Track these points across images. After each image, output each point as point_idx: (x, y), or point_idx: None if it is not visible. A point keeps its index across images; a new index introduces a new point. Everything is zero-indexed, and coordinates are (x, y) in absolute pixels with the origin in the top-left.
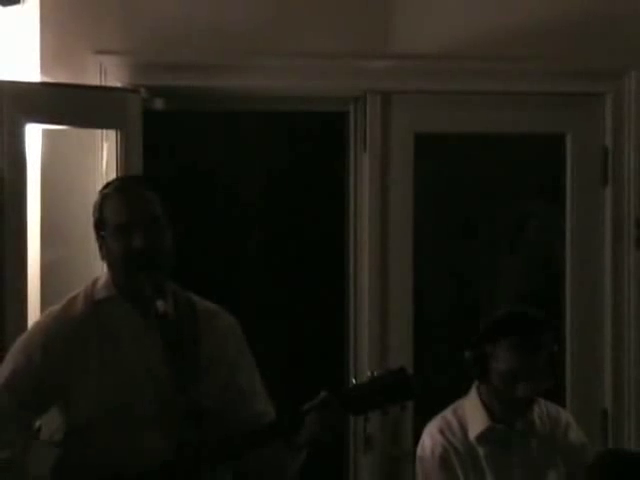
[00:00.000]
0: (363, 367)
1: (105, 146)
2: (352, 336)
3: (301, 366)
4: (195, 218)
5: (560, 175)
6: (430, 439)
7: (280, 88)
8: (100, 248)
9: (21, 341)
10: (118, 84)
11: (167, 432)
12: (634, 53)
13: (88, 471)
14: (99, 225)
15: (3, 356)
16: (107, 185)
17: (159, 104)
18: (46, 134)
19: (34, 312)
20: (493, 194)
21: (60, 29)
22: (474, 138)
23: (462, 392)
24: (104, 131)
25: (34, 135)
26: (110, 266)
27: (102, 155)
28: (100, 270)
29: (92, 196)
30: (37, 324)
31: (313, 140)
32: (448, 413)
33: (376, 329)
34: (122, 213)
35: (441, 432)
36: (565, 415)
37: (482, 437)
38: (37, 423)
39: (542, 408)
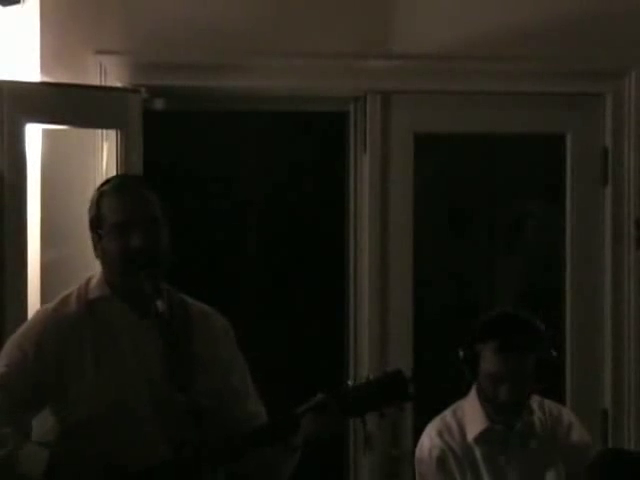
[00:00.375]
0: (363, 367)
1: (105, 146)
2: (352, 336)
3: (301, 366)
4: (195, 218)
5: (560, 175)
6: (428, 441)
7: (280, 88)
8: (95, 246)
9: (14, 339)
10: (118, 84)
11: (163, 432)
12: (634, 53)
13: (84, 471)
14: (96, 222)
15: None
16: (105, 183)
17: (159, 104)
18: (46, 134)
19: (34, 312)
20: (493, 194)
21: (60, 29)
22: (474, 138)
23: (462, 392)
24: (104, 131)
25: (34, 135)
26: (106, 265)
27: (102, 155)
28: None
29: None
30: (31, 322)
31: (313, 140)
32: (448, 414)
33: (376, 329)
34: (121, 211)
35: (439, 434)
36: (568, 415)
37: (480, 438)
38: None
39: (544, 408)
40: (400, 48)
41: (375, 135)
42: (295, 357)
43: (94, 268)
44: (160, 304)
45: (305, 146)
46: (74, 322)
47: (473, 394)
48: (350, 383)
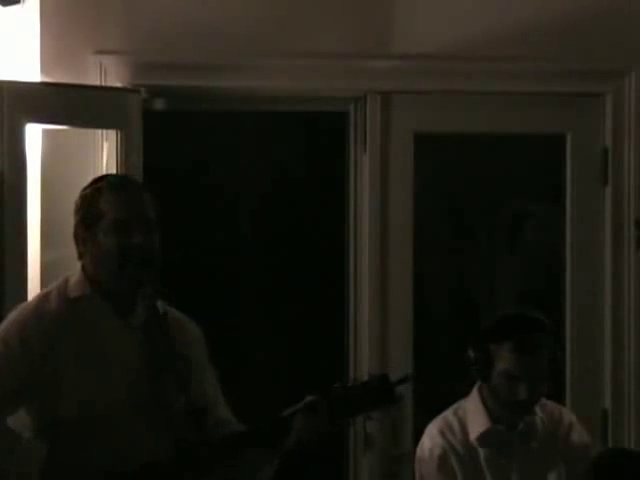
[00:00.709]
0: (363, 367)
1: (105, 146)
2: (352, 336)
3: (301, 366)
4: (195, 218)
5: (560, 175)
6: (429, 440)
7: (280, 88)
8: (83, 242)
9: None
10: (118, 84)
11: (150, 433)
12: (634, 53)
13: (65, 470)
14: (90, 219)
15: None
16: (96, 181)
17: (159, 104)
18: (46, 134)
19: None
20: (493, 194)
21: (60, 29)
22: (474, 138)
23: (462, 392)
24: (104, 131)
25: (34, 135)
26: (99, 261)
27: (102, 155)
28: None
29: None
30: (13, 320)
31: (313, 140)
32: (449, 414)
33: (376, 329)
34: (123, 208)
35: (441, 433)
36: (568, 415)
37: (482, 438)
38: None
39: (545, 409)
40: (400, 48)
41: (375, 135)
42: (295, 357)
43: None
44: (160, 304)
45: (305, 146)
46: (56, 320)
47: (475, 394)
48: (337, 386)
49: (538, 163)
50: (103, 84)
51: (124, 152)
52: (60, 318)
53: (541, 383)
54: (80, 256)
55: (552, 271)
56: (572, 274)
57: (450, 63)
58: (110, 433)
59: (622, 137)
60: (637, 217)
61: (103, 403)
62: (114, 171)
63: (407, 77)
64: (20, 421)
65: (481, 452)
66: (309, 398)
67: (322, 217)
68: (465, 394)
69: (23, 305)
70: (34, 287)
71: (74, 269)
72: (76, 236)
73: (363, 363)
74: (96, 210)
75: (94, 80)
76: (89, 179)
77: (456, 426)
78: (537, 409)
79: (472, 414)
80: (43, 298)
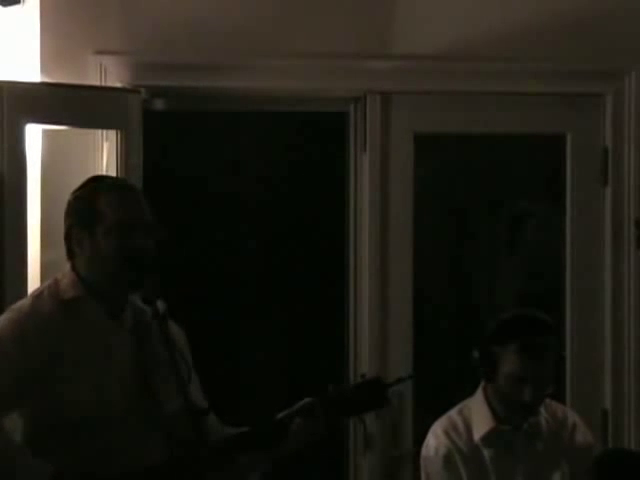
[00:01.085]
0: (363, 367)
1: (105, 146)
2: (352, 336)
3: (301, 366)
4: (195, 218)
5: (560, 175)
6: (435, 439)
7: (280, 88)
8: (79, 243)
9: None
10: (118, 84)
11: (144, 433)
12: (634, 53)
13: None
14: (87, 220)
15: None
16: (92, 182)
17: (159, 104)
18: (46, 134)
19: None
20: (493, 194)
21: (60, 29)
22: (474, 138)
23: (462, 392)
24: (104, 131)
25: (34, 135)
26: (94, 263)
27: (102, 155)
28: None
29: None
30: (8, 321)
31: (313, 140)
32: (454, 413)
33: (376, 329)
34: (124, 210)
35: (446, 433)
36: (572, 416)
37: (487, 438)
38: None
39: (549, 409)
40: (400, 48)
41: (375, 135)
42: (295, 357)
43: None
44: (161, 305)
45: (305, 146)
46: (51, 322)
47: (480, 394)
48: (331, 388)
49: (538, 163)
50: (103, 84)
51: (124, 152)
52: (55, 319)
53: (546, 385)
54: (71, 257)
55: (552, 271)
56: (572, 274)
57: (450, 63)
58: (106, 434)
59: (622, 137)
60: (637, 217)
61: (99, 404)
62: (114, 171)
63: (407, 77)
64: (12, 423)
65: (485, 452)
66: (305, 400)
67: (322, 217)
68: (465, 394)
69: (17, 306)
70: (34, 287)
71: None
72: (69, 237)
73: (363, 363)
74: (95, 211)
75: (94, 80)
76: None
77: (461, 426)
78: (541, 409)
79: (477, 414)
80: (36, 299)
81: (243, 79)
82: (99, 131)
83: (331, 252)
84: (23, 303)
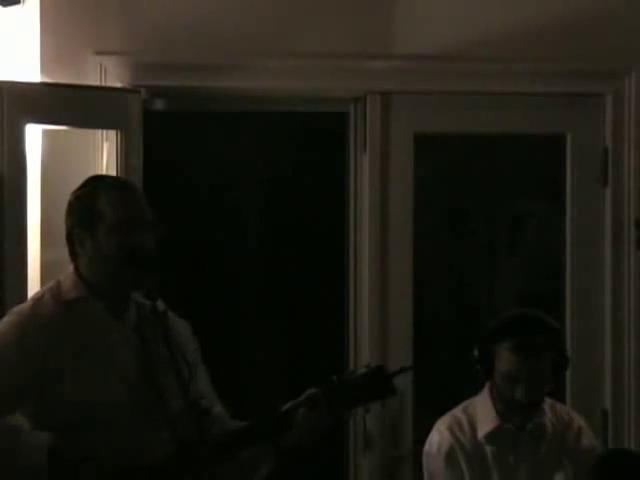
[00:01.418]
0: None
1: (105, 146)
2: (352, 336)
3: (301, 366)
4: (195, 218)
5: (560, 175)
6: (438, 435)
7: (280, 88)
8: (81, 244)
9: None
10: (118, 84)
11: (149, 433)
12: (634, 53)
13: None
14: (88, 219)
15: None
16: (92, 181)
17: (159, 104)
18: (46, 134)
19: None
20: (493, 194)
21: (60, 29)
22: (474, 138)
23: (462, 391)
24: (104, 131)
25: (34, 135)
26: (97, 263)
27: (102, 155)
28: None
29: None
30: (9, 324)
31: (313, 140)
32: (459, 411)
33: (376, 329)
34: (124, 210)
35: (450, 429)
36: (578, 419)
37: (490, 436)
38: None
39: (554, 411)
40: (400, 48)
41: (375, 135)
42: (295, 357)
43: None
44: (160, 304)
45: (305, 146)
46: (52, 323)
47: (485, 392)
48: (335, 378)
49: (538, 163)
50: (103, 84)
51: (124, 152)
52: (57, 321)
53: (540, 384)
54: (73, 257)
55: (552, 271)
56: (572, 274)
57: (450, 63)
58: (109, 434)
59: (622, 137)
60: (637, 217)
61: (102, 404)
62: (114, 171)
63: (407, 77)
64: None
65: (488, 450)
66: (309, 391)
67: (322, 217)
68: (465, 394)
69: (18, 309)
70: (34, 287)
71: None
72: (70, 237)
73: (363, 363)
74: (95, 211)
75: (94, 80)
76: None
77: (465, 423)
78: (546, 410)
79: (481, 412)
80: (37, 301)
81: (243, 79)
82: (99, 131)
83: (331, 252)
84: (24, 306)
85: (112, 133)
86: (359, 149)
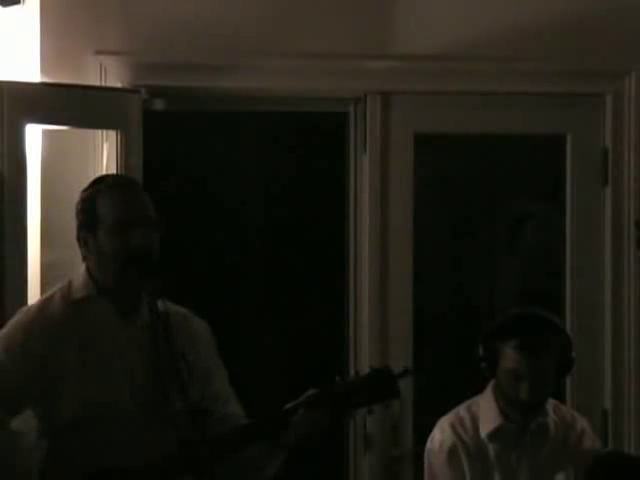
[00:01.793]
0: (363, 367)
1: (105, 146)
2: (352, 336)
3: (301, 366)
4: (195, 218)
5: (560, 175)
6: (440, 433)
7: (280, 88)
8: (85, 244)
9: None
10: (118, 84)
11: (152, 433)
12: (634, 53)
13: (71, 471)
14: (90, 221)
15: None
16: (96, 182)
17: (159, 104)
18: (46, 134)
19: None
20: (493, 194)
21: (60, 29)
22: (474, 138)
23: (462, 391)
24: (104, 131)
25: (34, 135)
26: (100, 264)
27: (102, 155)
28: None
29: None
30: (15, 323)
31: (313, 140)
32: (462, 409)
33: (376, 329)
34: (123, 210)
35: (452, 427)
36: (581, 421)
37: (493, 435)
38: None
39: (557, 412)
40: (400, 48)
41: (375, 135)
42: (295, 357)
43: None
44: (161, 304)
45: (305, 146)
46: (59, 323)
47: (489, 391)
48: (338, 380)
49: (538, 163)
50: (103, 84)
51: (124, 152)
52: (62, 320)
53: (544, 383)
54: (84, 258)
55: (552, 271)
56: (572, 274)
57: (450, 63)
58: (115, 433)
59: (622, 137)
60: (637, 217)
61: (106, 403)
62: (114, 171)
63: (407, 77)
64: (26, 422)
65: (491, 448)
66: (310, 392)
67: (322, 217)
68: (465, 394)
69: (25, 309)
70: (34, 288)
71: (74, 270)
72: (79, 238)
73: (363, 363)
74: (96, 211)
75: (94, 80)
76: (89, 179)
77: (468, 421)
78: (550, 411)
79: (485, 411)
80: (46, 301)
81: (243, 79)
82: (99, 131)
83: (331, 252)
84: (32, 305)
85: (112, 133)
86: (359, 149)
